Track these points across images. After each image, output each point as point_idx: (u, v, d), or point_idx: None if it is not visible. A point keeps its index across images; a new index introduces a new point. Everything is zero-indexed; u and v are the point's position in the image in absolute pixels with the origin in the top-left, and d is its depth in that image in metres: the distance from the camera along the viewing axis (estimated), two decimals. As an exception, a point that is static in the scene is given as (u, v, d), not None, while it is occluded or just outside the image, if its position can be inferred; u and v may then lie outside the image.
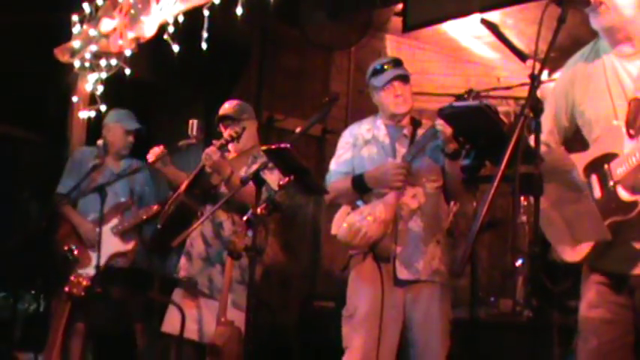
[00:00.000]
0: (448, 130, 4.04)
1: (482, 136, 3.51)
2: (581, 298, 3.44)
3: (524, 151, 2.77)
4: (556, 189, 3.27)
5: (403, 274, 4.29)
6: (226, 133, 5.16)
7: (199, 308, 5.11)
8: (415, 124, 4.46)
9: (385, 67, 4.44)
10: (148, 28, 6.17)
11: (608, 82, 3.30)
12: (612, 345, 3.32)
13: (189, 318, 5.03)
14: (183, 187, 5.12)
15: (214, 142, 5.08)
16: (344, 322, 4.41)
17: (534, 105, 2.86)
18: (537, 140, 2.91)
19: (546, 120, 3.42)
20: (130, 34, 6.32)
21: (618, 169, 3.16)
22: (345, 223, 4.30)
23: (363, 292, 4.34)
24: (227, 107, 5.31)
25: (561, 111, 3.50)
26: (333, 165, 4.61)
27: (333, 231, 4.38)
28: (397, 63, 4.49)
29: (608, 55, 3.33)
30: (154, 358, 5.58)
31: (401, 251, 4.29)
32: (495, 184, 2.70)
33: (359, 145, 4.52)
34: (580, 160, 3.30)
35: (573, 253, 3.34)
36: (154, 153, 5.30)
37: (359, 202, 4.39)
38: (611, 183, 3.17)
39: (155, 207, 5.74)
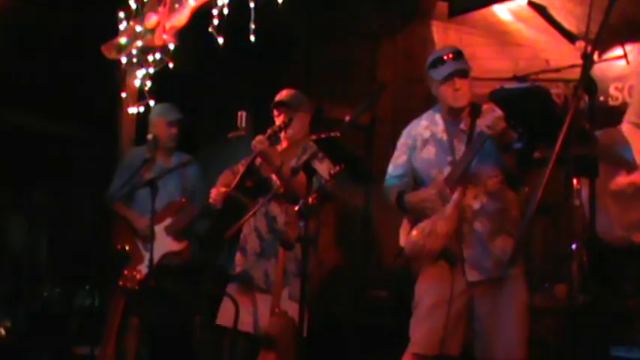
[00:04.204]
0: (498, 127, 3.99)
1: (535, 119, 3.46)
2: None
3: (578, 133, 2.73)
4: (607, 170, 3.23)
5: (473, 275, 4.23)
6: (276, 124, 5.12)
7: (254, 301, 5.05)
8: (474, 114, 4.30)
9: (445, 58, 4.32)
10: (180, 16, 6.22)
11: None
12: None
13: (244, 311, 4.99)
14: (234, 181, 5.08)
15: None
16: (413, 314, 4.38)
17: (587, 85, 2.82)
18: (592, 120, 2.87)
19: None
20: (168, 25, 6.38)
21: None
22: (409, 239, 4.29)
23: (431, 286, 4.30)
24: (284, 94, 5.24)
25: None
26: (390, 167, 4.59)
27: (401, 243, 4.40)
28: (458, 55, 4.35)
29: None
30: (210, 351, 5.59)
31: (469, 254, 4.24)
32: (550, 166, 2.66)
33: (418, 147, 4.46)
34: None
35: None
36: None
37: None
38: None
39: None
